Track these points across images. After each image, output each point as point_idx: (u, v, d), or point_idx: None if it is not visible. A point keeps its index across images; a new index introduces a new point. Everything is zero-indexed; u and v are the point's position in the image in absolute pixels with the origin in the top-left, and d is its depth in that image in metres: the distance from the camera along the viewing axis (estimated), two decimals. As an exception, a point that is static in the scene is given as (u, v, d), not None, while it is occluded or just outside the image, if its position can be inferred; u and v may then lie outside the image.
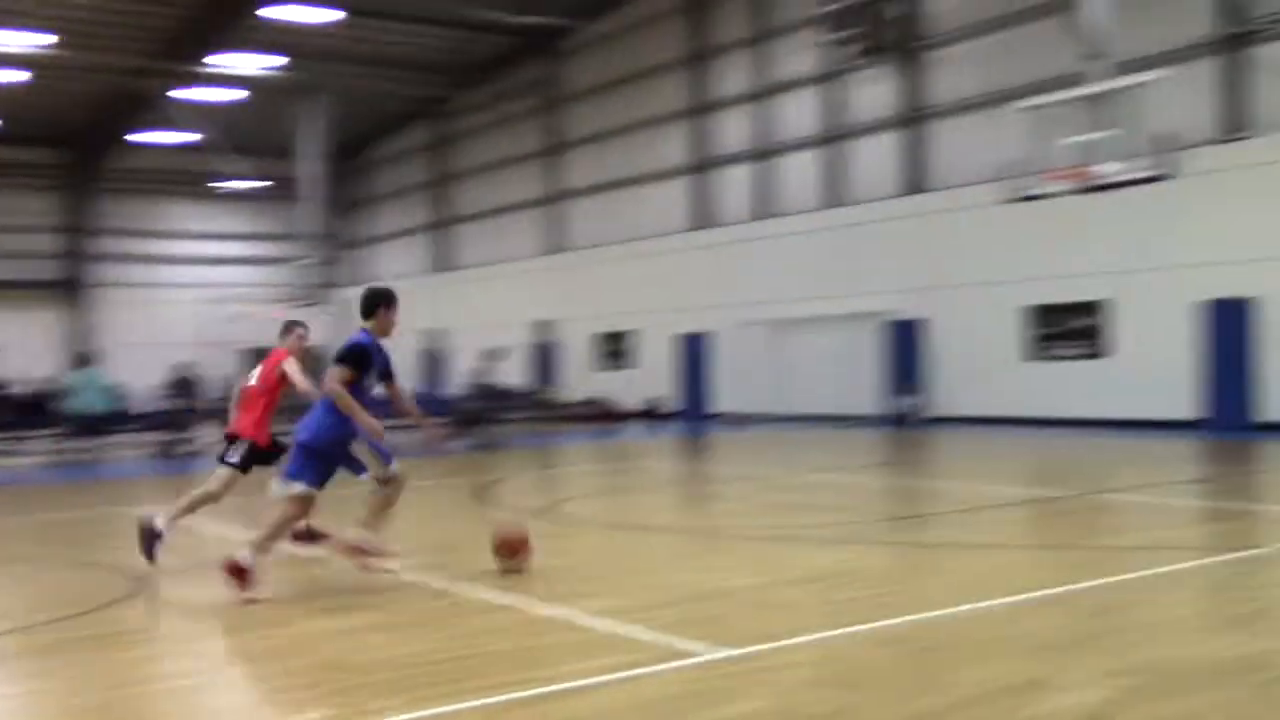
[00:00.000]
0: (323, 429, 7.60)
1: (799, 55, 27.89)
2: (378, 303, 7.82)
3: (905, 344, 25.35)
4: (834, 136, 27.63)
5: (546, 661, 5.79)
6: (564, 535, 10.63)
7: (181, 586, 8.12)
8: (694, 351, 30.40)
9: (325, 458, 7.64)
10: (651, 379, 31.35)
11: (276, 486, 8.21)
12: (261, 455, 8.92)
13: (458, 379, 30.05)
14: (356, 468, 7.86)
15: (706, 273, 30.10)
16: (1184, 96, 19.52)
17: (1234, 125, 20.50)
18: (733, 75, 30.16)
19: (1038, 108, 16.23)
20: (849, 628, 6.27)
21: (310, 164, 35.38)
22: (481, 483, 14.43)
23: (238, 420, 9.02)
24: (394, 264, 44.92)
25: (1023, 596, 7.02)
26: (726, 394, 29.37)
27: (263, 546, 7.46)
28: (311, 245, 35.90)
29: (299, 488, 7.56)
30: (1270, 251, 19.67)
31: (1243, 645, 5.76)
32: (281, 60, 32.29)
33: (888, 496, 13.62)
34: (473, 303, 38.88)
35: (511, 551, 8.13)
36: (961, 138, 24.81)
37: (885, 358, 25.81)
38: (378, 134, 44.49)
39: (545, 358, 35.10)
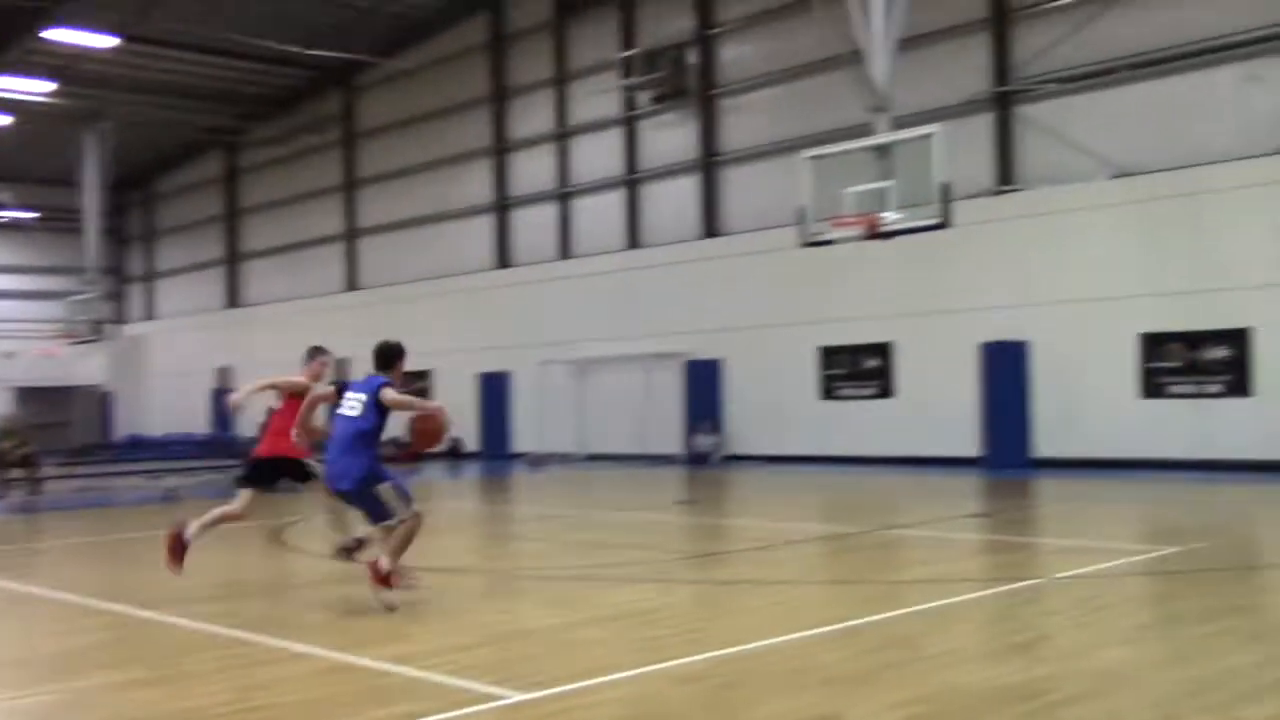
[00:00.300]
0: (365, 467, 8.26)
1: (600, 98, 28.22)
2: (397, 355, 8.89)
3: (704, 384, 25.78)
4: (633, 179, 28.02)
5: (338, 712, 5.59)
6: (361, 579, 10.33)
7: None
8: (496, 390, 30.21)
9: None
10: (452, 418, 30.93)
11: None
12: (277, 470, 9.77)
13: (251, 419, 29.07)
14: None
15: (508, 311, 30.01)
16: (963, 150, 20.54)
17: (1005, 178, 21.72)
18: (534, 115, 30.29)
19: (825, 156, 16.80)
20: (651, 666, 6.28)
21: (90, 195, 33.78)
22: (276, 525, 13.92)
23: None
24: (183, 300, 43.23)
25: (817, 631, 7.17)
26: (528, 433, 29.26)
27: (394, 555, 8.21)
28: (92, 280, 34.20)
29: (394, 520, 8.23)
30: (1038, 297, 20.85)
31: (1023, 672, 6.01)
32: (53, 85, 30.77)
33: (688, 534, 13.76)
34: (267, 341, 37.70)
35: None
36: (755, 183, 25.51)
37: (685, 397, 26.19)
38: (165, 165, 42.85)
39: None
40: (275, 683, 6.21)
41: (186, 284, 43.19)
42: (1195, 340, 19.19)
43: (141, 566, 11.57)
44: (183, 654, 7.04)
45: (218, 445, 28.10)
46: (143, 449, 28.29)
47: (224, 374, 39.70)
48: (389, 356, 8.73)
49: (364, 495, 8.20)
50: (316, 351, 10.25)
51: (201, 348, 40.18)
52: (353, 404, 8.46)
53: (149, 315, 45.18)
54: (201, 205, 41.76)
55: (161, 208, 44.50)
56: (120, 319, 45.80)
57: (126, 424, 40.35)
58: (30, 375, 39.54)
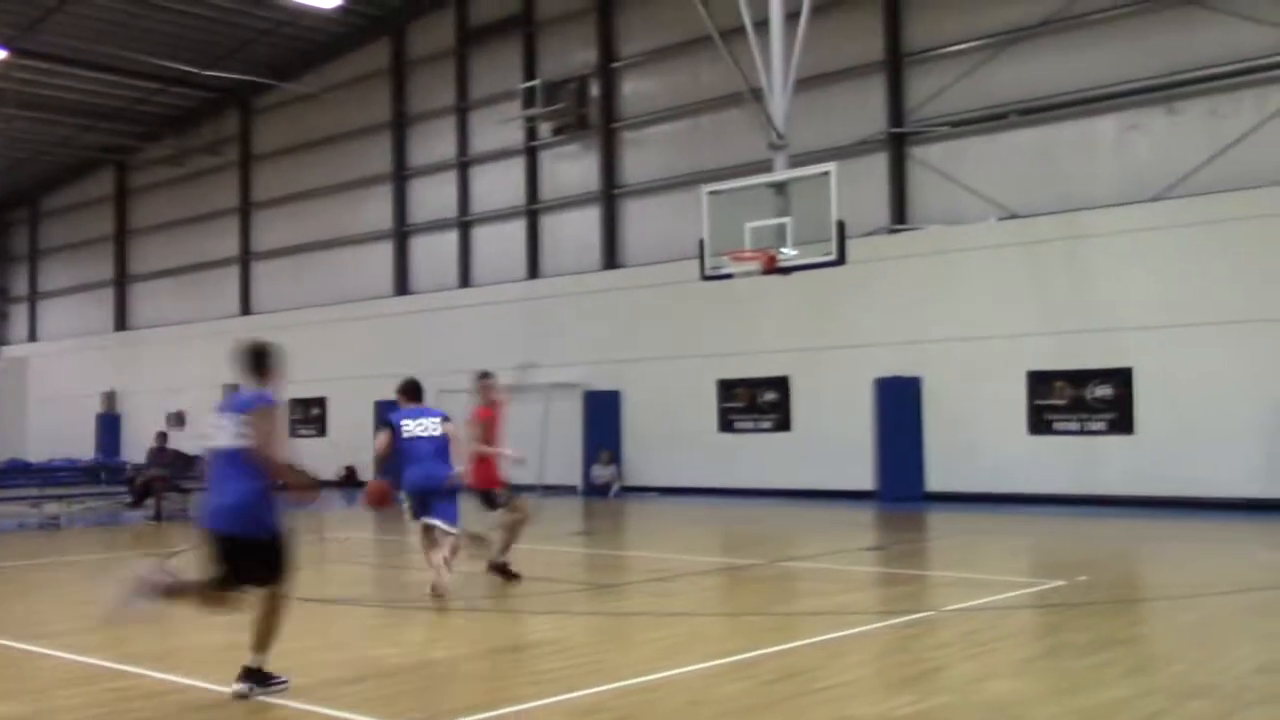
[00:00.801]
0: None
1: (501, 127, 28.18)
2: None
3: (603, 415, 25.77)
4: (534, 209, 28.02)
5: (227, 747, 5.46)
6: (244, 610, 10.10)
7: None
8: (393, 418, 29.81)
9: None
10: (348, 446, 30.52)
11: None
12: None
13: (138, 445, 28.29)
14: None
15: (407, 339, 29.69)
16: (858, 188, 20.96)
17: (899, 217, 22.19)
18: (436, 142, 30.13)
19: (724, 192, 16.98)
20: (547, 699, 6.24)
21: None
22: (161, 555, 13.56)
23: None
24: (69, 322, 41.97)
25: (713, 663, 7.20)
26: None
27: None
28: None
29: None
30: (931, 334, 21.29)
31: (915, 704, 6.10)
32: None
33: (586, 566, 13.71)
34: (156, 365, 36.81)
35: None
36: (656, 216, 25.67)
37: (584, 428, 26.14)
38: (53, 183, 41.63)
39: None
40: (154, 716, 6.04)
41: (73, 305, 41.96)
42: (1080, 379, 19.75)
43: (20, 596, 11.19)
44: (61, 687, 6.82)
45: (103, 471, 27.26)
46: (24, 474, 27.33)
47: (110, 398, 38.62)
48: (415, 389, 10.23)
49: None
50: (484, 375, 11.97)
51: (88, 371, 39.04)
52: (425, 426, 10.42)
53: (32, 336, 43.79)
54: (90, 225, 40.64)
55: (48, 226, 43.21)
56: (2, 340, 44.32)
57: (6, 448, 38.94)
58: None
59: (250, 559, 6.45)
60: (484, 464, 11.05)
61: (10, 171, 37.48)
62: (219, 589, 6.53)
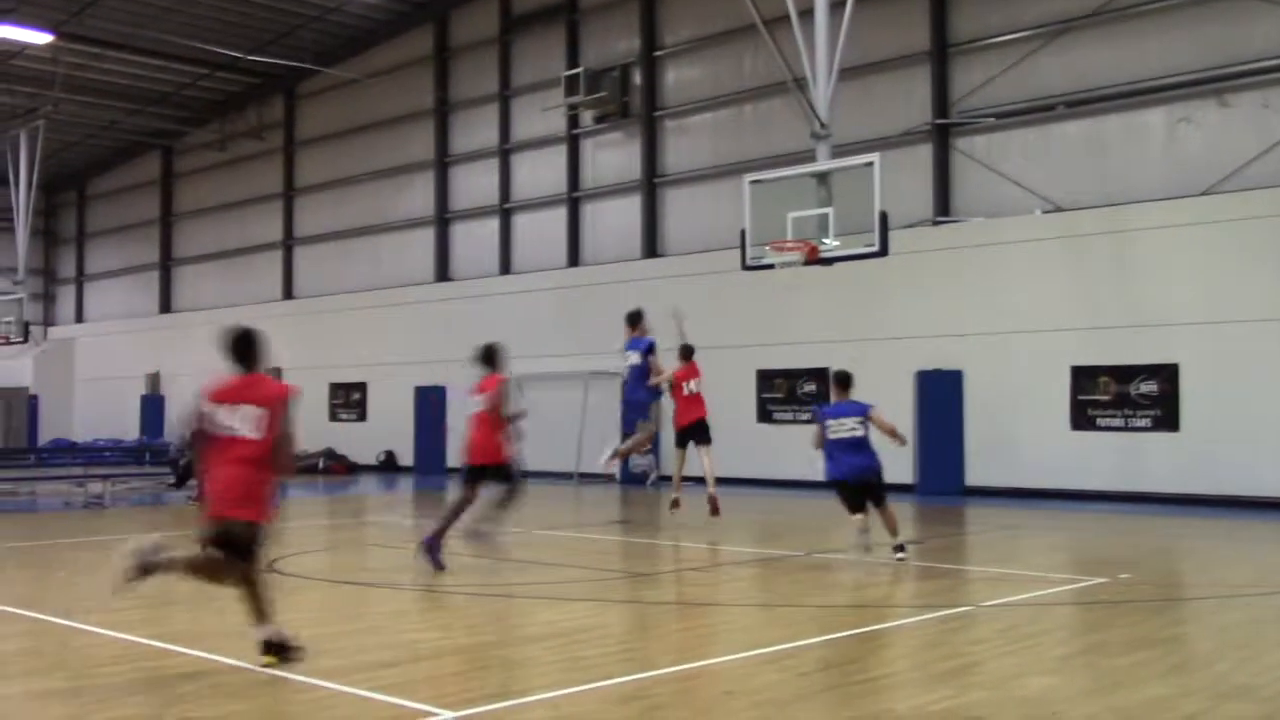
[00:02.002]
0: None
1: (543, 114, 28.20)
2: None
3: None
4: (575, 197, 28.03)
5: (265, 726, 5.51)
6: (286, 591, 10.20)
7: None
8: (431, 405, 29.99)
9: None
10: (388, 431, 30.73)
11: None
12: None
13: (181, 426, 28.61)
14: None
15: (446, 325, 29.82)
16: (902, 180, 20.81)
17: (942, 209, 22.02)
18: (478, 129, 30.20)
19: (766, 181, 16.90)
20: (583, 686, 6.25)
21: (22, 194, 33.12)
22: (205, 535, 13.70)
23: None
24: (114, 304, 42.48)
25: (750, 653, 7.18)
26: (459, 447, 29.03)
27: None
28: (21, 280, 33.49)
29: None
30: (973, 327, 21.12)
31: (951, 698, 6.06)
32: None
33: (622, 554, 13.73)
34: (199, 347, 37.12)
35: None
36: (697, 205, 25.62)
37: (622, 417, 26.12)
38: (99, 167, 42.14)
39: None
40: (197, 695, 6.10)
41: (118, 287, 42.47)
42: (1125, 374, 19.54)
43: (64, 573, 11.34)
44: (103, 664, 6.90)
45: (146, 452, 27.59)
46: (69, 454, 27.72)
47: (154, 380, 39.05)
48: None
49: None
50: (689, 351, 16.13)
51: (132, 352, 39.50)
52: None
53: (79, 318, 44.36)
54: (136, 208, 41.11)
55: (94, 209, 43.75)
56: (49, 321, 44.91)
57: (52, 428, 39.46)
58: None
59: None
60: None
61: (58, 155, 37.88)
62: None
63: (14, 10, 26.96)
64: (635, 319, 16.21)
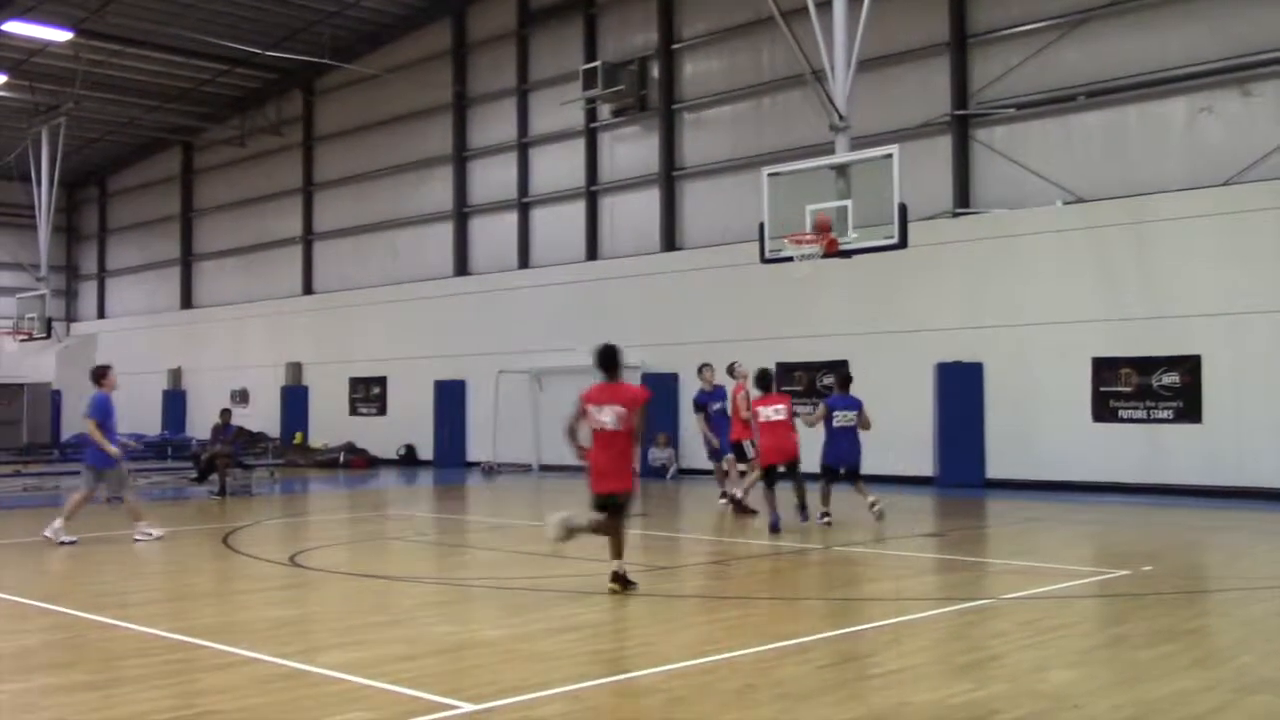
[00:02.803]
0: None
1: (561, 108, 28.20)
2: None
3: (661, 397, 25.71)
4: (594, 191, 28.02)
5: (286, 720, 5.54)
6: (307, 585, 10.25)
7: None
8: (451, 398, 30.07)
9: None
10: (408, 425, 30.82)
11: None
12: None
13: (202, 421, 28.78)
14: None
15: (465, 319, 29.89)
16: (921, 171, 20.74)
17: (962, 201, 21.92)
18: (496, 123, 30.22)
19: (785, 174, 16.85)
20: (602, 679, 6.26)
21: (43, 191, 33.31)
22: (227, 529, 13.78)
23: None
24: (136, 299, 42.73)
25: (769, 646, 7.18)
26: (483, 442, 29.13)
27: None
28: (44, 276, 33.70)
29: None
30: (993, 319, 21.04)
31: (972, 691, 6.05)
32: (7, 79, 30.30)
33: (641, 548, 13.72)
34: (220, 343, 37.38)
35: None
36: (715, 198, 25.58)
37: (641, 410, 26.09)
38: (120, 163, 42.37)
39: (297, 401, 34.01)
40: (219, 689, 6.14)
41: (139, 283, 42.71)
42: (1147, 366, 19.43)
43: (88, 569, 11.42)
44: (126, 658, 6.95)
45: (168, 447, 27.76)
46: (91, 449, 27.88)
47: (176, 375, 39.26)
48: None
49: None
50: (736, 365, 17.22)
51: (153, 348, 39.72)
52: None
53: (101, 314, 44.63)
54: (156, 204, 41.32)
55: (116, 205, 43.99)
56: (71, 317, 45.19)
57: (75, 423, 39.69)
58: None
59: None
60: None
61: (80, 151, 38.08)
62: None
63: (35, 8, 27.10)
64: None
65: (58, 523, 12.86)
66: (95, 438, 13.25)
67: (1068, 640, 7.57)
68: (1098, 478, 19.57)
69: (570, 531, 9.49)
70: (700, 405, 18.00)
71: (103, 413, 13.29)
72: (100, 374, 13.58)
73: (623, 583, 9.20)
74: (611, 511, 9.34)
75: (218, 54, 31.42)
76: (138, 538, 13.05)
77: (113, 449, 13.18)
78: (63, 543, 12.63)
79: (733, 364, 17.50)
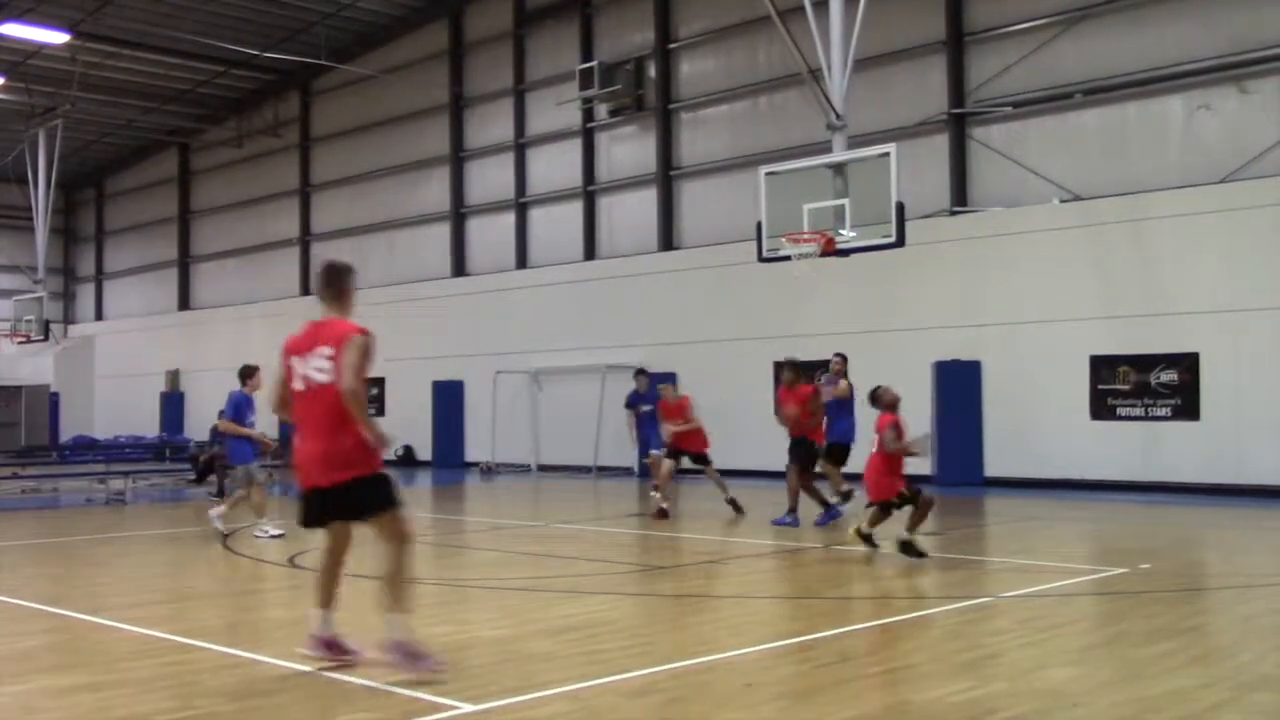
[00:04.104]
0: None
1: (558, 108, 28.20)
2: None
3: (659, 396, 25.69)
4: (591, 191, 28.03)
5: (286, 721, 5.54)
6: (307, 586, 10.24)
7: None
8: (449, 399, 30.07)
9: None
10: (406, 425, 30.80)
11: None
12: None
13: (201, 423, 28.79)
14: None
15: (463, 320, 29.90)
16: (918, 170, 20.75)
17: (959, 199, 21.93)
18: (492, 124, 30.22)
19: (782, 173, 16.86)
20: (601, 679, 6.26)
21: (40, 193, 33.31)
22: (224, 532, 13.76)
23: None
24: (133, 301, 42.71)
25: (767, 646, 7.18)
26: (482, 443, 29.13)
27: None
28: (41, 279, 33.70)
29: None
30: (991, 317, 21.05)
31: (971, 690, 6.05)
32: (2, 81, 30.29)
33: (639, 547, 13.74)
34: (219, 343, 37.36)
35: None
36: (713, 197, 25.58)
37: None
38: (117, 165, 42.36)
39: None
40: (220, 691, 6.14)
41: (137, 285, 42.69)
42: (1145, 363, 19.45)
43: (87, 570, 11.42)
44: (127, 659, 6.95)
45: (167, 448, 27.77)
46: (90, 451, 27.89)
47: (174, 376, 39.23)
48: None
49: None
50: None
51: (152, 349, 39.71)
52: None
53: (99, 316, 44.60)
54: (154, 206, 41.30)
55: (113, 207, 43.97)
56: (69, 319, 45.16)
57: (73, 425, 39.75)
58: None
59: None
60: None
61: (76, 154, 38.06)
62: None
63: (32, 10, 27.08)
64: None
65: (218, 512, 13.58)
66: (233, 431, 13.68)
67: (1066, 638, 7.57)
68: (1096, 475, 19.60)
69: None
70: (631, 405, 20.45)
71: (237, 410, 13.69)
72: (248, 374, 13.84)
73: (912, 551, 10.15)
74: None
75: (214, 55, 31.42)
76: (257, 534, 13.27)
77: (253, 432, 13.63)
78: (266, 535, 13.20)
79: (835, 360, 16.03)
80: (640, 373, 20.58)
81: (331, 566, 6.67)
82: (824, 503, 14.52)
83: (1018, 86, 21.27)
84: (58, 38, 27.64)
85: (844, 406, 15.10)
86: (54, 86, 31.61)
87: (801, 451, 14.80)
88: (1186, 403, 19.02)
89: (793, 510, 14.39)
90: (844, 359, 15.68)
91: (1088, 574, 10.35)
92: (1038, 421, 20.46)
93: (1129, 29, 20.22)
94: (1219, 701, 5.81)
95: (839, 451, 14.97)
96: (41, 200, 33.07)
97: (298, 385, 6.51)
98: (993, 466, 20.90)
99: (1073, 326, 20.13)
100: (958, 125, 22.00)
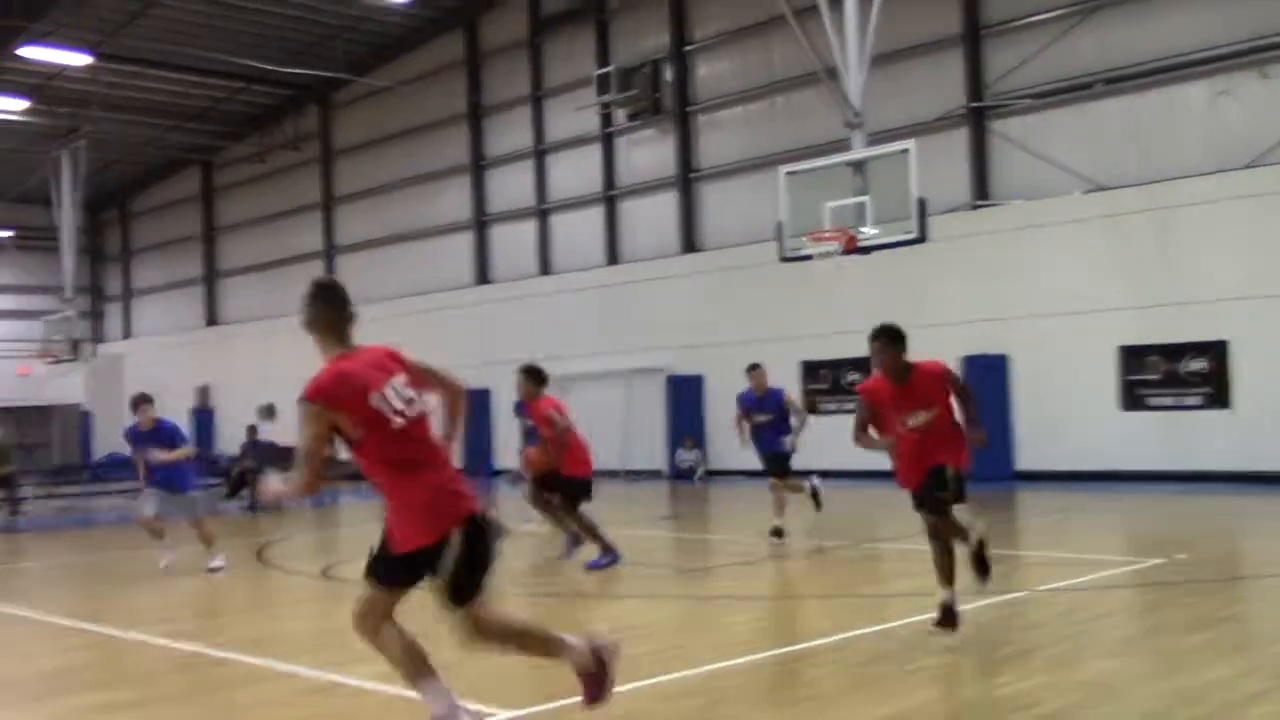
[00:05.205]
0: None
1: (576, 114, 28.23)
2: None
3: (686, 399, 25.74)
4: (611, 195, 28.05)
5: (326, 732, 5.56)
6: (341, 597, 10.28)
7: None
8: (476, 407, 30.10)
9: None
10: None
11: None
12: None
13: (231, 437, 28.92)
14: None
15: (488, 328, 29.95)
16: (939, 165, 20.65)
17: (981, 193, 21.83)
18: (512, 131, 30.28)
19: (802, 172, 16.84)
20: (637, 682, 6.25)
21: (66, 213, 33.60)
22: (259, 544, 13.85)
23: None
24: (161, 318, 43.00)
25: (801, 645, 7.17)
26: (509, 450, 29.17)
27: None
28: (69, 298, 34.00)
29: None
30: (1016, 311, 20.94)
31: (1012, 684, 6.02)
32: (27, 104, 30.59)
33: (671, 550, 13.73)
34: (246, 358, 37.56)
35: None
36: (733, 198, 25.56)
37: (667, 413, 26.15)
38: (141, 183, 42.67)
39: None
40: (256, 703, 6.17)
41: (164, 302, 42.99)
42: (1174, 353, 19.30)
43: (122, 587, 11.49)
44: (165, 674, 6.99)
45: (198, 464, 27.90)
46: (122, 468, 28.08)
47: (204, 392, 39.46)
48: None
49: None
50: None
51: (180, 366, 39.96)
52: None
53: (127, 334, 44.92)
54: (179, 223, 41.58)
55: (138, 226, 44.29)
56: (98, 337, 45.48)
57: (105, 443, 40.03)
58: (8, 395, 39.23)
59: None
60: None
61: (101, 173, 38.33)
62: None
63: (52, 32, 27.31)
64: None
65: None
66: (164, 461, 13.15)
67: (1105, 630, 7.52)
68: (1127, 466, 19.45)
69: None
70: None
71: (135, 443, 13.27)
72: (138, 404, 13.12)
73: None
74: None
75: (234, 72, 31.59)
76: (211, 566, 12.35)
77: (176, 455, 12.69)
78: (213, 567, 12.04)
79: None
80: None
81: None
82: (576, 539, 11.57)
83: (1036, 78, 21.16)
84: (80, 60, 27.86)
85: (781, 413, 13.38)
86: (76, 107, 31.87)
87: (565, 489, 11.31)
88: (1217, 391, 18.86)
89: (605, 549, 11.05)
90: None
91: (1123, 565, 10.28)
92: (1067, 414, 20.33)
93: (1146, 16, 20.08)
94: (1260, 690, 5.76)
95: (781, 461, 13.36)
96: (67, 221, 33.34)
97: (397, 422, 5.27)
98: (1023, 460, 20.79)
99: (1099, 318, 19.99)
100: (977, 119, 21.90)
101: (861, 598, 9.38)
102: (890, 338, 7.98)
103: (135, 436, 12.25)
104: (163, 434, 12.14)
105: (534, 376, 11.31)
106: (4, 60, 28.56)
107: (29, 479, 23.02)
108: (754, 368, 13.29)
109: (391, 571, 5.13)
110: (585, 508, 11.16)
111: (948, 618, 7.18)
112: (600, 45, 27.86)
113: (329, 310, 5.75)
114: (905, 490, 7.76)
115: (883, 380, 7.86)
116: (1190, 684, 5.91)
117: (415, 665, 5.20)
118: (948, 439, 7.67)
